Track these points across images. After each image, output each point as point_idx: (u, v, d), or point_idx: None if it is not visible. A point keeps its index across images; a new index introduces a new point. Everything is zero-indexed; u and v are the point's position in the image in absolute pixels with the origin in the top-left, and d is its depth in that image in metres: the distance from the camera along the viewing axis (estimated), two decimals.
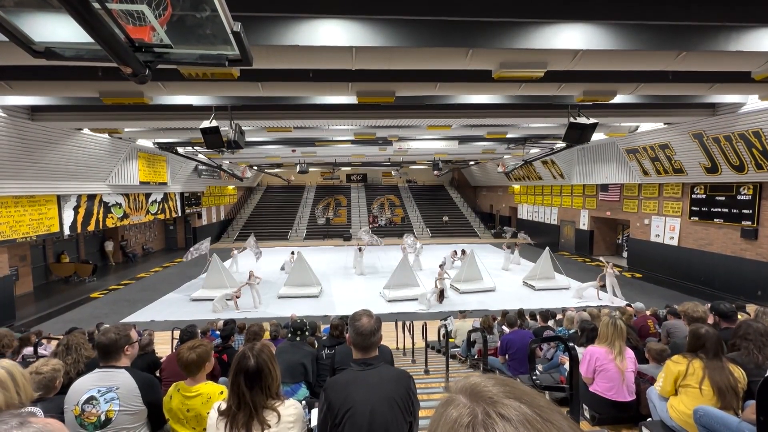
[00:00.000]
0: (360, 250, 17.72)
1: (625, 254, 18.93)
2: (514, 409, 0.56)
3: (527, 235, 20.64)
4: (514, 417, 0.54)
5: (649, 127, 13.39)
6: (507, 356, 5.20)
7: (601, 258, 13.07)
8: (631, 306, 7.73)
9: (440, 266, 13.59)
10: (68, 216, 12.94)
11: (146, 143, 15.06)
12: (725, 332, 3.51)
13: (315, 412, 2.29)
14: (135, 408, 2.18)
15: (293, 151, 17.81)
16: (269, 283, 15.87)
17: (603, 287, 12.74)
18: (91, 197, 14.04)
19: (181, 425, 2.28)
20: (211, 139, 7.81)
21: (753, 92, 8.54)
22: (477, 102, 9.20)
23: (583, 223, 20.89)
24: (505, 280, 15.64)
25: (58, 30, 2.15)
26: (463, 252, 17.79)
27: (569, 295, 13.50)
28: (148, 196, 17.93)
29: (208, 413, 1.95)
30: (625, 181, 16.68)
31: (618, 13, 4.71)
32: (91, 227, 14.17)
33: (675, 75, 6.79)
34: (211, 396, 2.25)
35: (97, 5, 1.75)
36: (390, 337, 9.25)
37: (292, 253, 18.07)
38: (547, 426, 0.54)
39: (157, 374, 3.79)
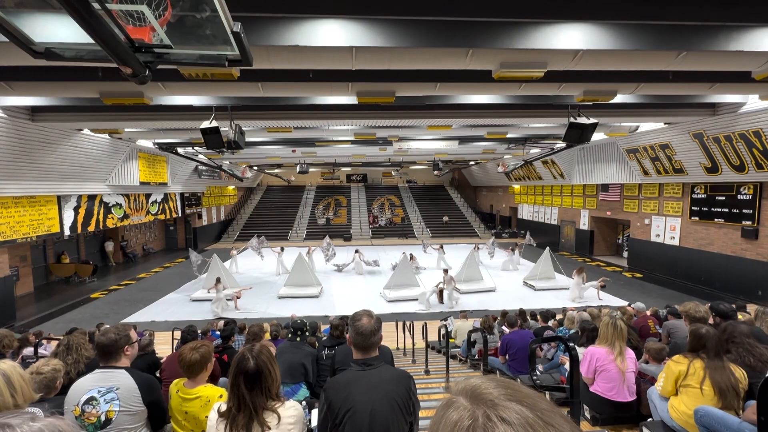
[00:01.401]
0: (356, 252, 17.75)
1: (625, 254, 18.92)
2: (515, 412, 0.55)
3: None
4: (515, 420, 0.54)
5: (649, 126, 13.38)
6: (507, 356, 5.19)
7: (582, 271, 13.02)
8: (631, 306, 7.73)
9: (445, 270, 13.50)
10: (68, 216, 12.94)
11: (146, 143, 15.06)
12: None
13: (315, 412, 2.29)
14: (135, 408, 2.18)
15: (293, 151, 17.81)
16: (269, 283, 15.89)
17: (603, 287, 12.73)
18: (92, 197, 14.04)
19: (180, 427, 2.28)
20: (212, 139, 7.80)
21: (753, 92, 8.54)
22: (477, 102, 9.20)
23: (584, 223, 20.89)
24: (505, 280, 15.63)
25: (59, 30, 2.15)
26: (477, 247, 17.92)
27: (569, 295, 13.48)
28: (148, 196, 17.93)
29: (206, 416, 1.95)
30: (626, 180, 16.67)
31: (618, 13, 4.71)
32: (92, 228, 14.17)
33: (675, 75, 6.79)
34: (210, 399, 2.24)
35: (97, 6, 1.75)
36: (390, 337, 9.25)
37: (282, 249, 18.09)
38: (549, 430, 0.53)
39: (157, 374, 3.79)
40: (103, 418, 2.10)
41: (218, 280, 12.20)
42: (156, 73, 3.81)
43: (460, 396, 0.61)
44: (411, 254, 17.31)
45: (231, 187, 30.16)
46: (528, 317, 7.59)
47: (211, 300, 12.38)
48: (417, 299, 12.79)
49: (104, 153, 13.15)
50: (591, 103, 8.03)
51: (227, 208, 30.62)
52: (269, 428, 1.77)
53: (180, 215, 21.86)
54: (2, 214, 10.34)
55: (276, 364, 1.92)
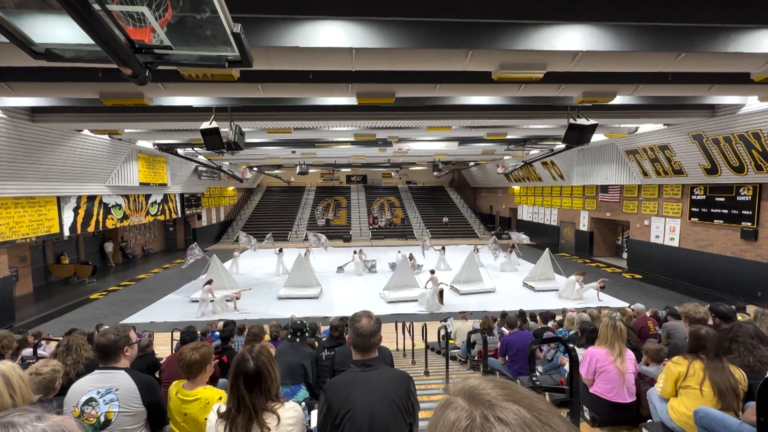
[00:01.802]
0: (355, 252, 17.72)
1: (625, 255, 18.92)
2: (513, 412, 0.55)
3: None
4: (513, 421, 0.54)
5: (648, 128, 13.39)
6: (507, 357, 5.19)
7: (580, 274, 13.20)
8: (631, 307, 7.73)
9: (431, 271, 13.39)
10: (68, 217, 12.94)
11: (146, 144, 15.06)
12: (724, 333, 3.51)
13: (315, 413, 2.28)
14: (134, 409, 2.17)
15: (293, 152, 17.81)
16: (269, 283, 15.87)
17: (603, 288, 12.73)
18: (91, 198, 14.03)
19: (179, 428, 2.27)
20: (211, 140, 7.81)
21: (752, 93, 8.55)
22: (477, 103, 9.21)
23: (583, 224, 20.89)
24: (504, 282, 15.63)
25: (59, 31, 2.15)
26: (476, 249, 17.89)
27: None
28: (148, 197, 17.93)
29: (205, 419, 1.94)
30: (625, 182, 16.68)
31: (617, 14, 4.72)
32: (91, 228, 14.16)
33: (675, 76, 6.80)
34: (209, 401, 2.23)
35: (97, 6, 1.75)
36: (390, 338, 9.24)
37: (280, 250, 18.06)
38: (546, 430, 0.54)
39: (157, 375, 3.78)
40: (102, 419, 2.09)
41: (209, 282, 12.23)
42: (156, 73, 3.81)
43: (458, 396, 0.61)
44: (410, 254, 17.30)
45: (231, 188, 30.16)
46: (528, 318, 7.59)
47: (212, 300, 12.37)
48: (417, 300, 12.78)
49: (104, 154, 13.15)
50: (590, 104, 8.05)
51: (227, 209, 30.60)
52: (269, 429, 1.77)
53: (180, 216, 21.86)
54: (2, 214, 10.34)
55: (276, 365, 1.92)
